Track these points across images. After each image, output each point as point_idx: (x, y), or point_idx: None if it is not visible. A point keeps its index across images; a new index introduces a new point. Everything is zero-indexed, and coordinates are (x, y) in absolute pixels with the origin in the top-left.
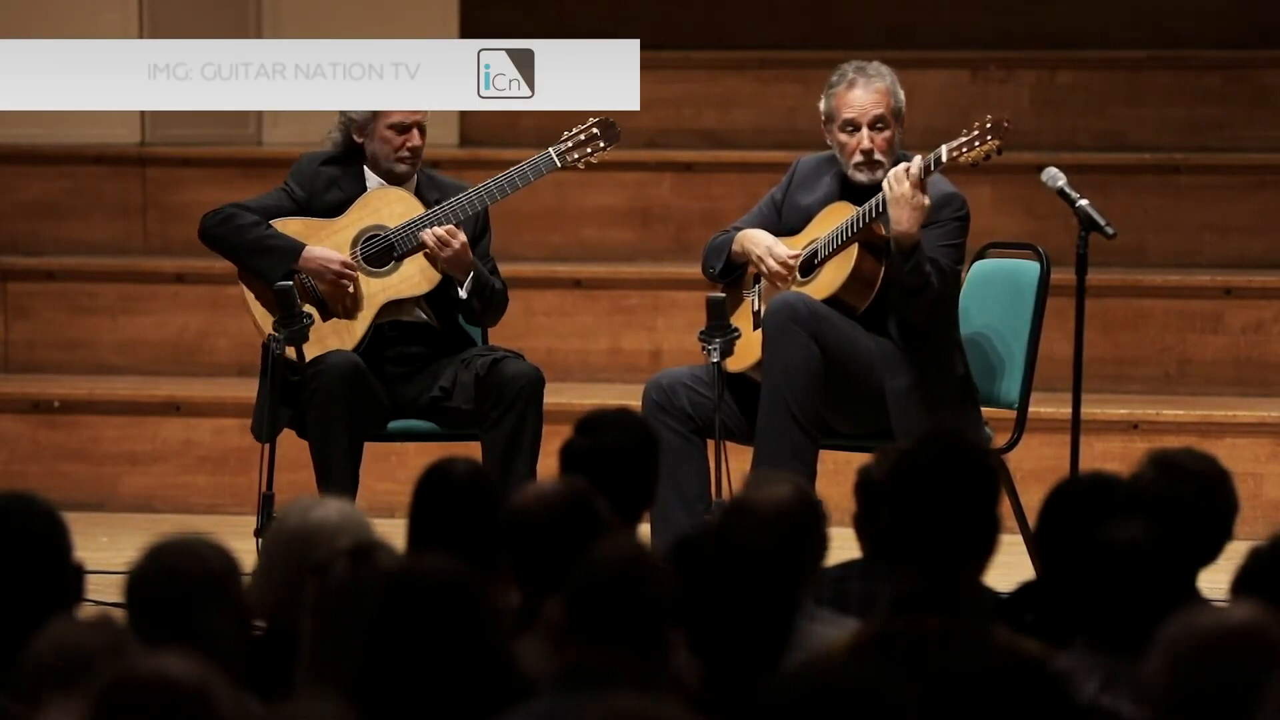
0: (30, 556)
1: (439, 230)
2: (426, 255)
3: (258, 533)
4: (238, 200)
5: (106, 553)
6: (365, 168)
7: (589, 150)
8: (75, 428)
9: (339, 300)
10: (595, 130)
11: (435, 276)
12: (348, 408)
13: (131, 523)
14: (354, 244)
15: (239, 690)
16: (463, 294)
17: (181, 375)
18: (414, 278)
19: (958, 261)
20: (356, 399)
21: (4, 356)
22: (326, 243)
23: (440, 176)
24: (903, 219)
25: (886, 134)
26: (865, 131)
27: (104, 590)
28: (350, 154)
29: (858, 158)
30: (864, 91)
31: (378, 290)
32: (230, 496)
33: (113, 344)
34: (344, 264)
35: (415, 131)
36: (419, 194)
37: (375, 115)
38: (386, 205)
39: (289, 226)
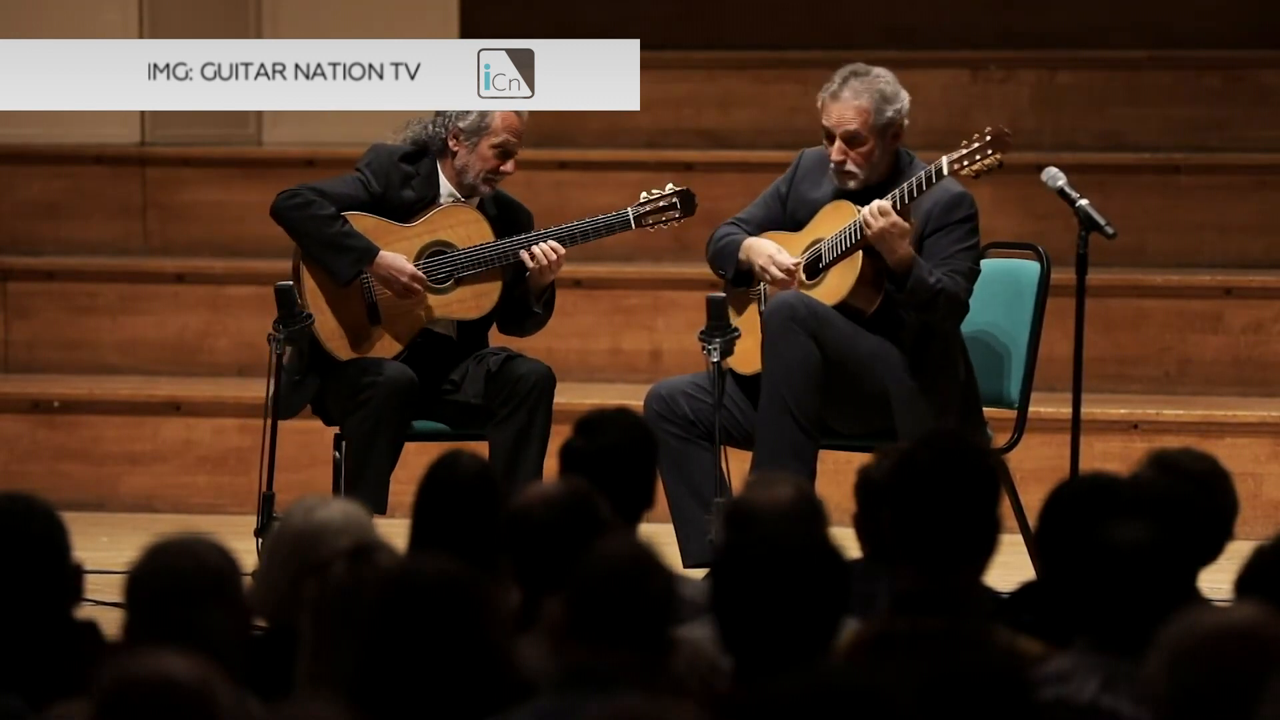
0: (30, 556)
1: (553, 251)
2: (529, 272)
3: (258, 533)
4: (313, 183)
5: (106, 553)
6: (439, 170)
7: (663, 219)
8: (75, 428)
9: (393, 309)
10: (676, 200)
11: (487, 306)
12: (395, 424)
13: (131, 523)
14: (419, 255)
15: (239, 690)
16: (537, 309)
17: (181, 375)
18: (467, 301)
19: (975, 261)
20: (404, 415)
21: (4, 356)
22: (394, 247)
23: (502, 192)
24: (892, 250)
25: (863, 149)
26: (838, 143)
27: (104, 590)
28: (420, 152)
29: (831, 165)
30: (842, 106)
31: (431, 306)
32: (230, 496)
33: (113, 344)
34: (414, 277)
35: (513, 161)
36: (480, 205)
37: (483, 130)
38: (461, 225)
39: (361, 223)
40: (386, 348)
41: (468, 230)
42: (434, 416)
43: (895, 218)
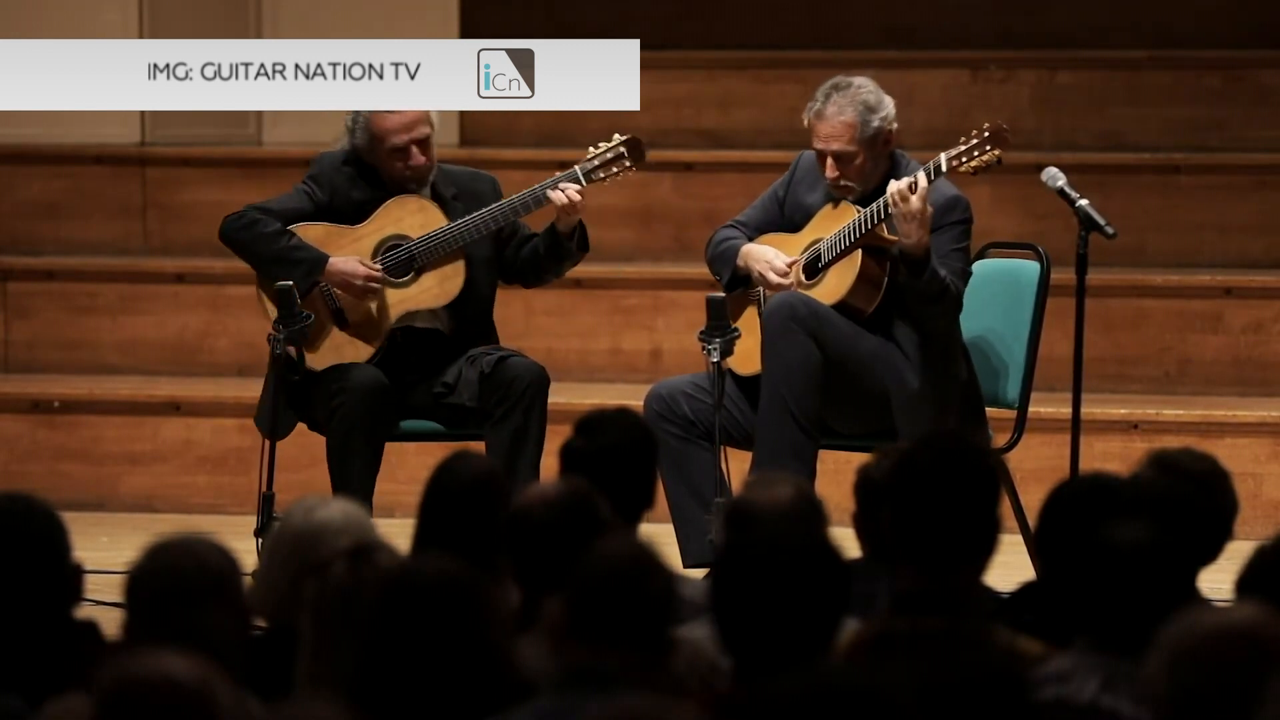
0: (30, 556)
1: (572, 194)
2: (560, 210)
3: (258, 533)
4: (256, 201)
5: (106, 553)
6: None
7: (615, 170)
8: (75, 428)
9: (358, 311)
10: (622, 149)
11: (453, 290)
12: (369, 428)
13: (131, 523)
14: (375, 253)
15: (239, 690)
16: (572, 248)
17: (181, 375)
18: (432, 290)
19: (967, 264)
20: (378, 418)
21: (4, 356)
22: (348, 250)
23: (452, 169)
24: (912, 232)
25: (855, 164)
26: (830, 161)
27: (104, 590)
28: None
29: (827, 180)
30: (828, 125)
31: (396, 301)
32: (230, 496)
33: (113, 344)
34: (368, 276)
35: (414, 150)
36: (434, 189)
37: (373, 139)
38: (409, 215)
39: (310, 232)
40: (359, 351)
41: (418, 219)
42: (430, 417)
43: (925, 203)
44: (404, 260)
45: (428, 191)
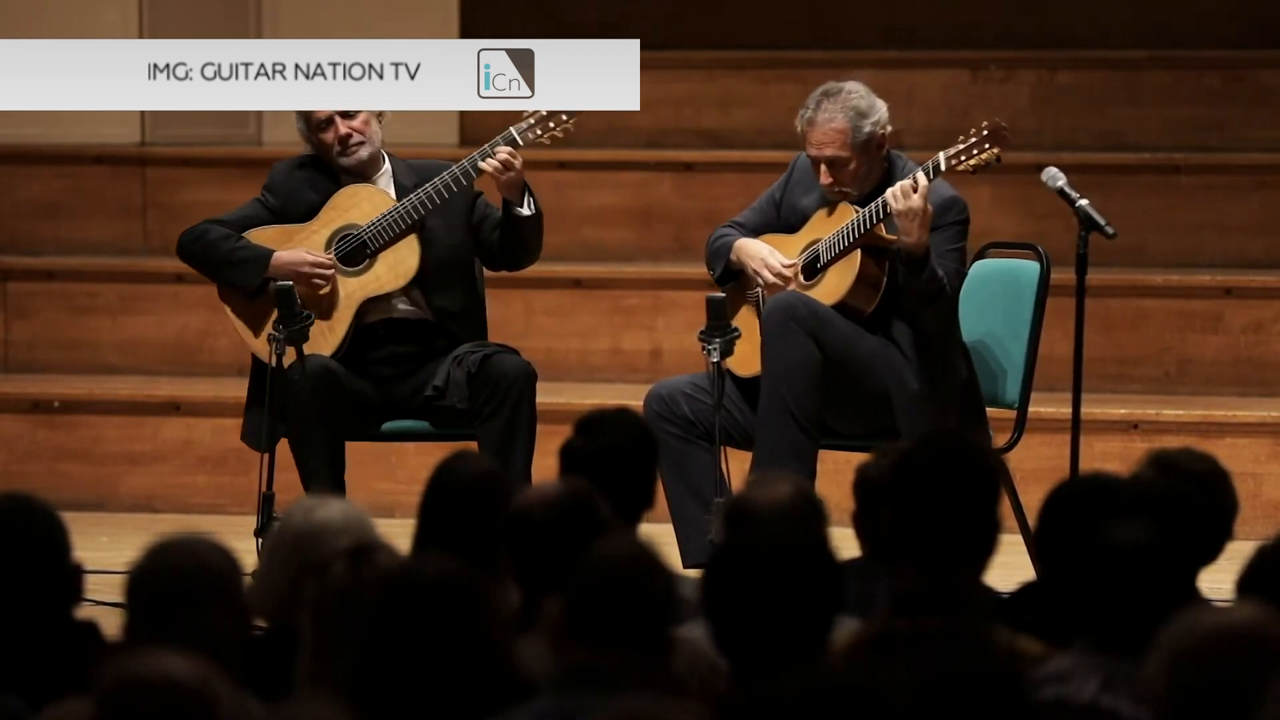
0: (29, 556)
1: (500, 157)
2: (496, 179)
3: (258, 533)
4: (215, 216)
5: (106, 553)
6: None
7: (552, 126)
8: (75, 428)
9: (317, 303)
10: None
11: (409, 270)
12: (321, 414)
13: (131, 523)
14: (328, 245)
15: (239, 690)
16: (527, 211)
17: (181, 375)
18: (386, 275)
19: (962, 265)
20: (331, 404)
21: (4, 356)
22: (301, 247)
23: (415, 161)
24: (913, 230)
25: (849, 169)
26: (824, 168)
27: (104, 590)
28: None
29: (823, 187)
30: (819, 132)
31: (355, 289)
32: (230, 496)
33: (113, 344)
34: (314, 262)
35: (337, 122)
36: (396, 181)
37: (306, 121)
38: (356, 204)
39: (264, 235)
40: (323, 345)
41: (365, 206)
42: (423, 417)
43: (926, 201)
44: (356, 248)
45: (388, 180)
